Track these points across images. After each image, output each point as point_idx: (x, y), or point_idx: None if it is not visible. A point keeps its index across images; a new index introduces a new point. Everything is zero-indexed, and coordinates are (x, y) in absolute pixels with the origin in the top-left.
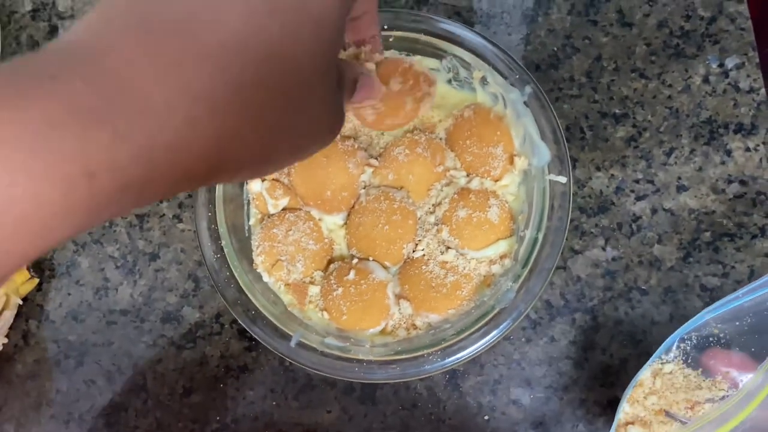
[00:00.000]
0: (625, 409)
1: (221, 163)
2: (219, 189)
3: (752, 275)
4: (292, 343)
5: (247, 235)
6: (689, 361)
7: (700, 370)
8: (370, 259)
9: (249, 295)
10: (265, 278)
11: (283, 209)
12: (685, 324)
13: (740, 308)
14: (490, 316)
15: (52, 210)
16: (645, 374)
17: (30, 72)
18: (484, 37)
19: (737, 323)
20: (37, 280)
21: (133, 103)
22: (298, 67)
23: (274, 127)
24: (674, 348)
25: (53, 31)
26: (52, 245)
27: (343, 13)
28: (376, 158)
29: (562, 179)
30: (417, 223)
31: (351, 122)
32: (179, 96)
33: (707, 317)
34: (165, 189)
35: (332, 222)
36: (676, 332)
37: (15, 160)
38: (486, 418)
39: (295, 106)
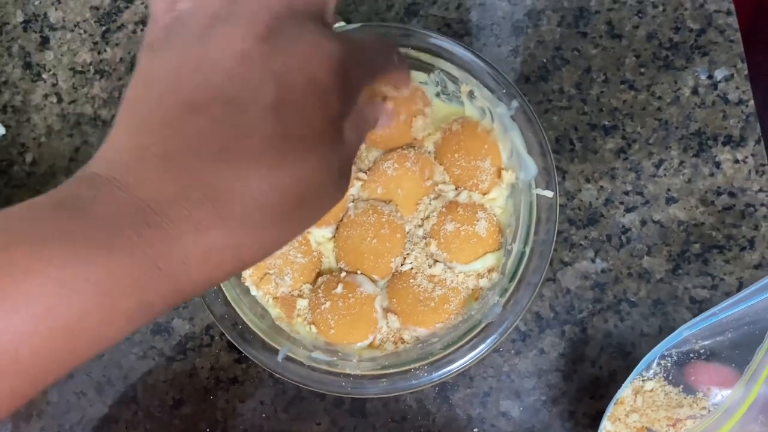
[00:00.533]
0: (606, 427)
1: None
2: None
3: (741, 287)
4: (279, 358)
5: None
6: (670, 378)
7: (681, 387)
8: (359, 272)
9: (236, 309)
10: (253, 291)
11: None
12: (664, 340)
13: (719, 323)
14: (478, 329)
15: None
16: (626, 392)
17: (85, 231)
18: (473, 52)
19: (718, 338)
20: None
21: (175, 252)
22: (312, 193)
23: (297, 231)
24: (654, 365)
25: (45, 42)
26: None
27: (344, 115)
28: (365, 172)
29: (549, 194)
30: (405, 237)
31: None
32: (212, 249)
33: (686, 333)
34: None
35: (320, 235)
36: (654, 349)
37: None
38: (476, 430)
39: (300, 225)
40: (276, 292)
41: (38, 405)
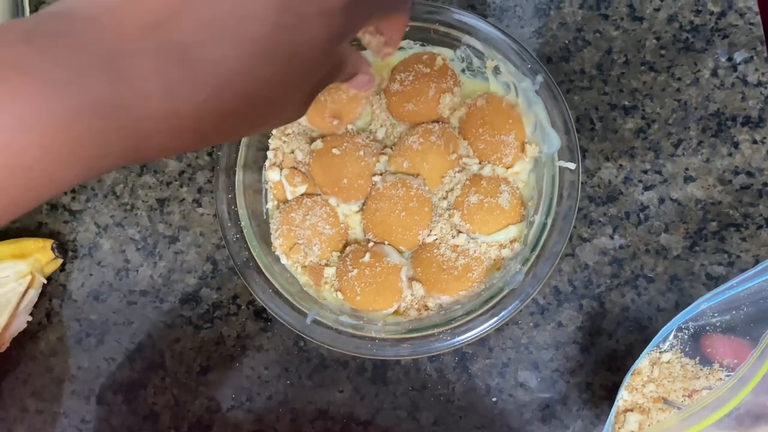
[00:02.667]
0: (623, 397)
1: (198, 138)
2: (239, 175)
3: (757, 264)
4: (308, 320)
5: (265, 218)
6: (687, 350)
7: (698, 358)
8: (386, 242)
9: (267, 275)
10: (283, 260)
11: (301, 195)
12: (682, 313)
13: (736, 297)
14: (499, 297)
15: (57, 155)
16: (643, 363)
17: (44, 28)
18: (497, 28)
19: (734, 312)
20: (60, 261)
21: (130, 85)
22: (287, 74)
23: (249, 119)
24: (671, 337)
25: None
26: (51, 193)
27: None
28: (391, 147)
29: (572, 165)
30: (432, 210)
31: (367, 115)
32: (174, 86)
33: (703, 306)
34: (154, 151)
35: (347, 208)
36: (672, 321)
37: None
38: (494, 399)
39: (272, 104)
40: (305, 261)
41: (70, 369)
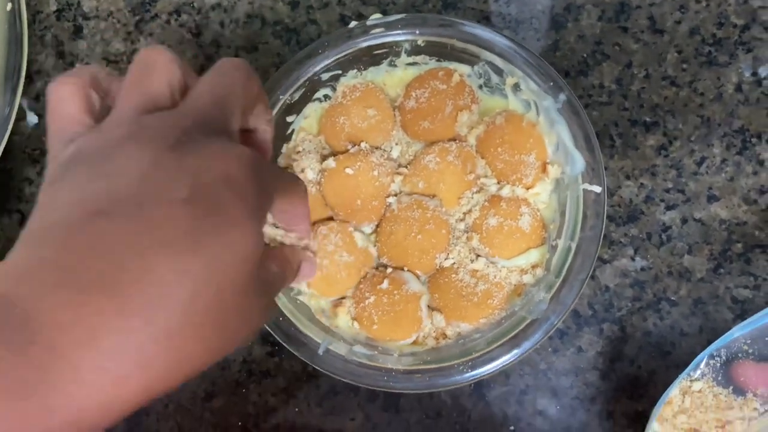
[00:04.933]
0: (654, 428)
1: (147, 401)
2: None
3: None
4: (320, 351)
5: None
6: (719, 378)
7: (731, 388)
8: (405, 269)
9: (276, 302)
10: (304, 289)
11: (313, 223)
12: (715, 342)
13: None
14: (522, 327)
15: None
16: (674, 392)
17: None
18: (517, 43)
19: (767, 339)
20: None
21: (64, 373)
22: (226, 302)
23: (202, 360)
24: (703, 365)
25: (78, 31)
26: None
27: (261, 232)
28: (406, 167)
29: (597, 188)
30: (450, 233)
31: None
32: (109, 358)
33: (737, 334)
34: None
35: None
36: (705, 350)
37: None
38: (512, 428)
39: (218, 333)
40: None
41: None
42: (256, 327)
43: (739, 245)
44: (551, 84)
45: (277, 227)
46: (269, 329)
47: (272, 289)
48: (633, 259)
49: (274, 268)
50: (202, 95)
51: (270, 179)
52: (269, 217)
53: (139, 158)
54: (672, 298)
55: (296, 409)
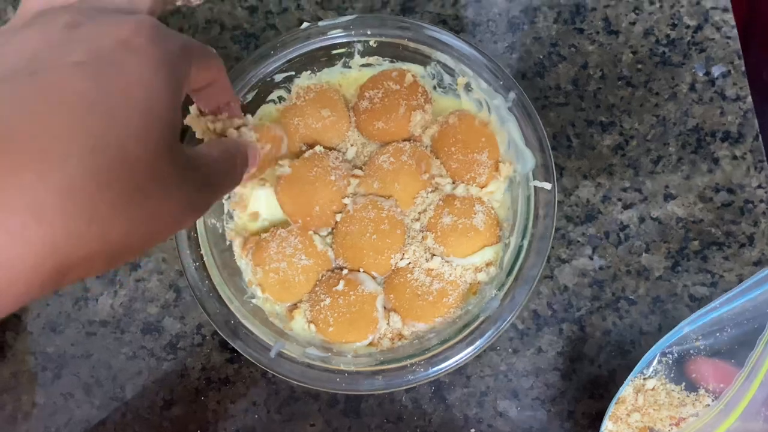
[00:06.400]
0: (608, 427)
1: (64, 267)
2: None
3: (739, 284)
4: (272, 354)
5: (228, 243)
6: (672, 375)
7: (684, 384)
8: (361, 270)
9: (229, 306)
10: (258, 294)
11: (274, 227)
12: (665, 337)
13: (719, 319)
14: (475, 324)
15: None
16: (627, 390)
17: None
18: (469, 44)
19: (717, 335)
20: None
21: None
22: (132, 160)
23: (116, 223)
24: (655, 363)
25: None
26: None
27: (175, 95)
28: (361, 168)
29: (547, 185)
30: (405, 233)
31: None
32: (3, 213)
33: (686, 329)
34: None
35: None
36: (655, 346)
37: None
38: (472, 430)
39: (136, 199)
40: (286, 296)
41: (23, 407)
42: (187, 213)
43: (696, 243)
44: (501, 83)
45: (203, 114)
46: (222, 334)
47: (212, 175)
48: (591, 259)
49: (214, 152)
50: None
51: (178, 46)
52: (192, 109)
53: (33, 38)
54: (631, 297)
55: (256, 416)
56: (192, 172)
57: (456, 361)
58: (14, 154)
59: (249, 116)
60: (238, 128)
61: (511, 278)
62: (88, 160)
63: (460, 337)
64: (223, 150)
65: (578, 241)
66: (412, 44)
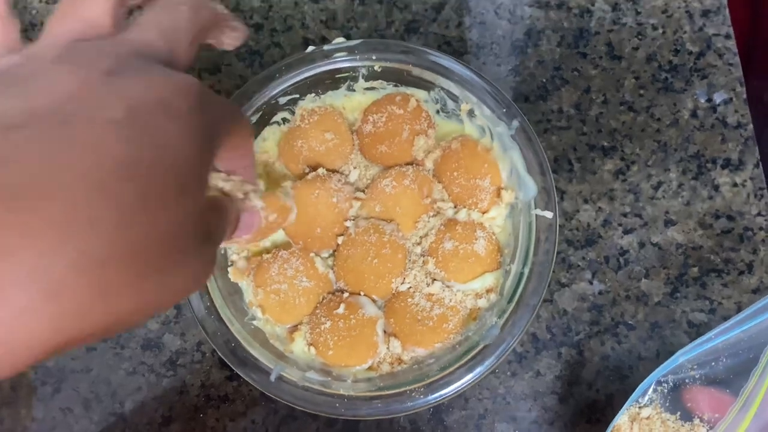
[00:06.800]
0: None
1: (66, 345)
2: None
3: (739, 311)
4: (272, 377)
5: (229, 263)
6: (667, 404)
7: (679, 413)
8: (362, 293)
9: (229, 327)
10: (258, 315)
11: (276, 248)
12: (660, 366)
13: (715, 349)
14: (475, 351)
15: None
16: (622, 419)
17: None
18: (473, 70)
19: (713, 364)
20: None
21: None
22: (158, 235)
23: (127, 300)
24: (650, 391)
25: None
26: None
27: (207, 166)
28: (363, 191)
29: (548, 214)
30: (406, 257)
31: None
32: (9, 284)
33: (681, 359)
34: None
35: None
36: (650, 375)
37: None
38: None
39: (152, 275)
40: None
41: (22, 421)
42: (196, 281)
43: (695, 269)
44: (505, 110)
45: (217, 171)
46: (222, 355)
47: (212, 240)
48: (591, 283)
49: (215, 218)
50: (146, 24)
51: (218, 114)
52: None
53: (67, 80)
54: (629, 322)
55: None
56: (205, 248)
57: (456, 388)
58: (29, 215)
59: (261, 182)
60: (246, 193)
61: (512, 305)
62: (114, 233)
63: (460, 363)
64: (221, 211)
65: (578, 265)
66: (416, 70)
